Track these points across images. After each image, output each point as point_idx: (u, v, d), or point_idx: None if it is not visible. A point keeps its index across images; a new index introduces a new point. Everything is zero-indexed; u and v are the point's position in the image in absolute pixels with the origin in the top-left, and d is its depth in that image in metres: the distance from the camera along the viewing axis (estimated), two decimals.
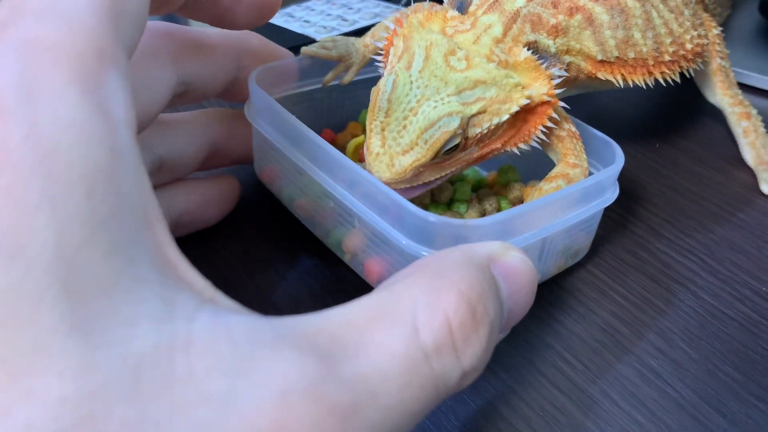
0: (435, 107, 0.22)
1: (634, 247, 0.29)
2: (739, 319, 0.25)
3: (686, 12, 0.30)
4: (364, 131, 0.33)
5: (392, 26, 0.30)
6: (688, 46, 0.29)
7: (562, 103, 0.25)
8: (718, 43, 0.33)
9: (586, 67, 0.27)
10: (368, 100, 0.33)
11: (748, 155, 0.33)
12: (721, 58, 0.33)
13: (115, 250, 0.12)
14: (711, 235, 0.29)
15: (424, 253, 0.21)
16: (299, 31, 0.36)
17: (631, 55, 0.28)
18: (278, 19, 0.38)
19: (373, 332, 0.14)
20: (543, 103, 0.24)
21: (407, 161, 0.22)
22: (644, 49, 0.28)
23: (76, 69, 0.14)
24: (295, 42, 0.34)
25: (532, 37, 0.25)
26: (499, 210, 0.28)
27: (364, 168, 0.23)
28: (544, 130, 0.24)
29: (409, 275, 0.17)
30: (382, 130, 0.23)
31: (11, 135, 0.12)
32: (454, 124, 0.22)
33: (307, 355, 0.13)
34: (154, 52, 0.23)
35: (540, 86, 0.24)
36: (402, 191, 0.23)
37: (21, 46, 0.13)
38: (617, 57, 0.27)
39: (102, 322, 0.12)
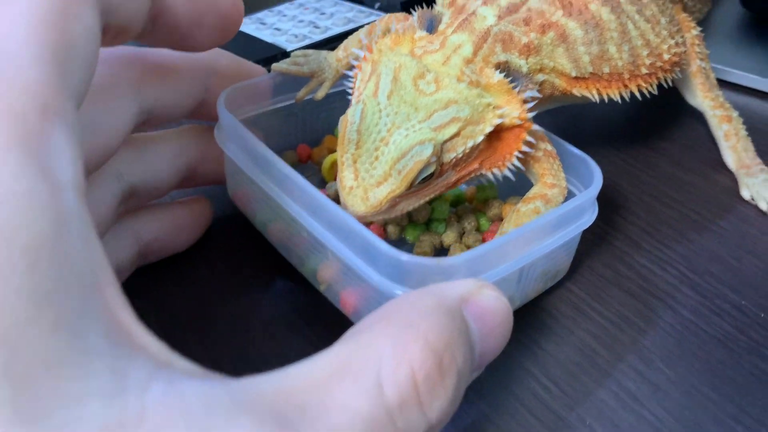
0: (406, 135, 0.22)
1: (613, 260, 0.28)
2: (718, 335, 0.25)
3: (663, 20, 0.29)
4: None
5: (365, 39, 0.29)
6: (666, 56, 0.29)
7: (536, 126, 0.24)
8: (698, 44, 0.33)
9: (561, 84, 0.27)
10: (344, 112, 0.33)
11: (729, 159, 0.33)
12: (701, 59, 0.33)
13: (61, 324, 0.12)
14: (691, 246, 0.29)
15: (397, 292, 0.21)
16: (269, 40, 0.35)
17: (606, 70, 0.27)
18: (249, 27, 0.37)
19: (335, 391, 0.14)
20: (516, 127, 0.24)
21: (382, 193, 0.22)
22: (620, 63, 0.27)
23: (17, 130, 0.13)
24: (265, 53, 0.33)
25: (503, 57, 0.25)
26: (478, 228, 0.28)
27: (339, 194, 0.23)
28: (519, 155, 0.24)
29: (376, 323, 0.17)
30: (354, 162, 0.22)
31: None
32: (427, 152, 0.22)
33: (264, 421, 0.13)
34: (113, 83, 0.22)
35: (512, 110, 0.23)
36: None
37: None
38: (591, 72, 0.27)
39: (47, 405, 0.11)
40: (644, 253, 0.29)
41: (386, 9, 0.37)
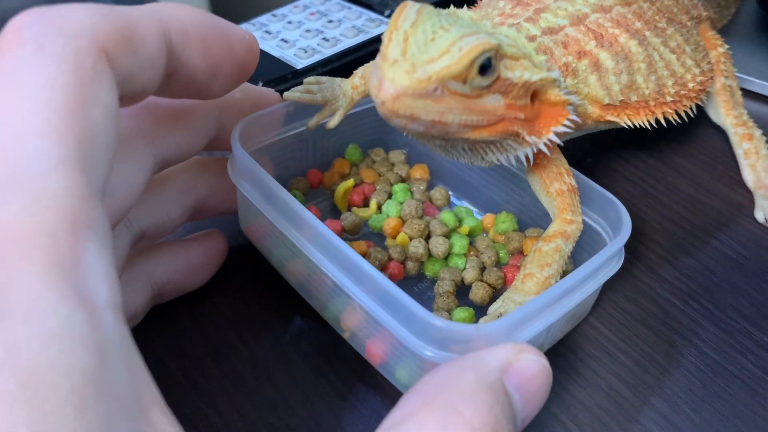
0: (471, 26, 0.20)
1: (635, 294, 0.28)
2: (742, 376, 0.25)
3: (688, 49, 0.29)
4: (351, 167, 0.31)
5: None
6: (690, 85, 0.29)
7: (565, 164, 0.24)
8: (723, 62, 0.32)
9: (594, 111, 0.26)
10: (354, 135, 0.32)
11: (749, 178, 0.32)
12: (726, 77, 0.32)
13: None
14: (712, 276, 0.29)
15: (427, 353, 0.20)
16: (277, 54, 0.33)
17: (634, 98, 0.27)
18: (254, 34, 0.35)
19: None
20: (559, 105, 0.23)
21: (434, 68, 0.19)
22: (646, 92, 0.28)
23: (50, 256, 0.13)
24: (274, 73, 0.32)
25: None
26: (498, 262, 0.28)
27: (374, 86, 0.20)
28: (556, 132, 0.23)
29: (419, 410, 0.17)
30: (405, 39, 0.19)
31: None
32: (494, 41, 0.20)
33: None
34: (126, 140, 0.21)
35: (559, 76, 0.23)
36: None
37: None
38: (621, 100, 0.27)
39: None
40: (666, 285, 0.28)
41: None
